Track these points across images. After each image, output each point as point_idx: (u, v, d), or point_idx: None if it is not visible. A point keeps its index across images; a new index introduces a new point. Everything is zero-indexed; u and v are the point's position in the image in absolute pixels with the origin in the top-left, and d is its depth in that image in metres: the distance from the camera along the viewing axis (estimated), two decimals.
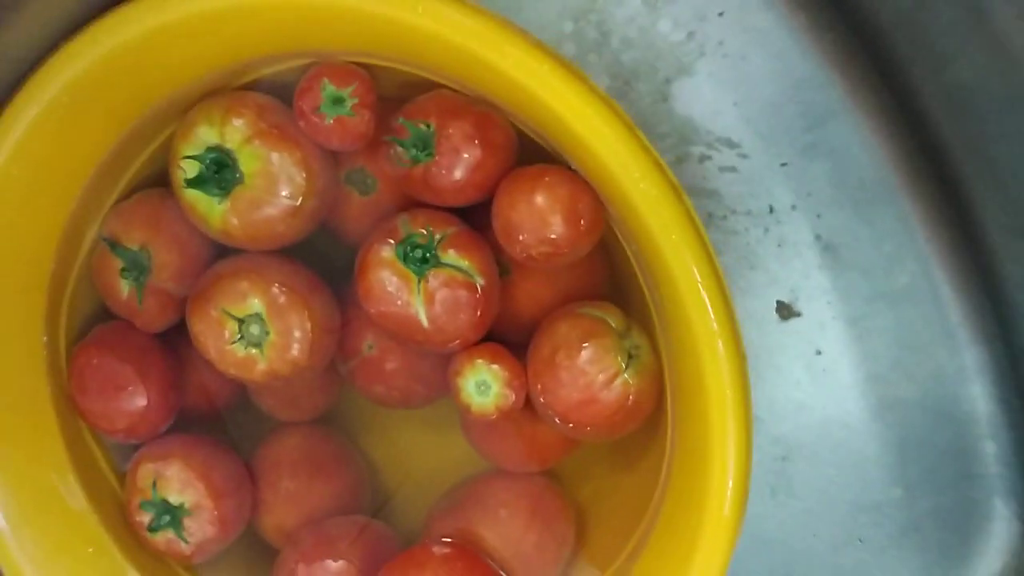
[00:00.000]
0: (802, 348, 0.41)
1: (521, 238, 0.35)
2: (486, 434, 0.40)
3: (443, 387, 0.40)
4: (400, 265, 0.36)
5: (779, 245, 0.41)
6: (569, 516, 0.40)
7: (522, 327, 0.38)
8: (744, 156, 0.41)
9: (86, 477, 0.41)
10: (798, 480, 0.42)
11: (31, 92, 0.36)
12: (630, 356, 0.36)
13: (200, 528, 0.39)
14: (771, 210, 0.41)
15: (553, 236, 0.35)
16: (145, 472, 0.40)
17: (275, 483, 0.41)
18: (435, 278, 0.36)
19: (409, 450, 0.44)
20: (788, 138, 0.40)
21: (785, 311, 0.41)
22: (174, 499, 0.39)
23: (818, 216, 0.40)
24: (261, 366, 0.38)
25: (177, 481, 0.39)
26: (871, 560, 0.42)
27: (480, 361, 0.37)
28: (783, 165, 0.40)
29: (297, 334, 0.37)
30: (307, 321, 0.38)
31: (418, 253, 0.36)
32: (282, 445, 0.42)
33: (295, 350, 0.37)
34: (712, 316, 0.32)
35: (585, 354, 0.35)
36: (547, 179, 0.35)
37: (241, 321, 0.37)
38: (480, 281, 0.36)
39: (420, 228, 0.36)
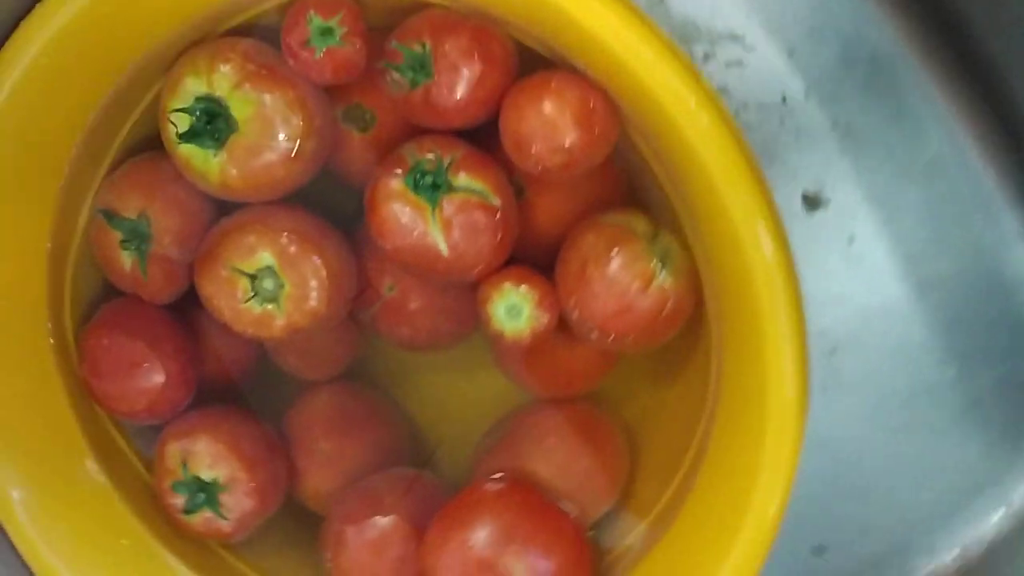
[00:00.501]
0: (834, 238, 0.40)
1: (533, 150, 0.34)
2: (522, 362, 0.38)
3: (470, 322, 0.38)
4: (411, 195, 0.34)
5: (796, 135, 0.39)
6: (619, 438, 0.39)
7: (544, 248, 0.37)
8: (749, 49, 0.39)
9: (110, 466, 0.39)
10: (847, 373, 0.41)
11: (7, 58, 0.34)
12: (662, 259, 0.34)
13: (237, 502, 0.38)
14: (784, 100, 0.39)
15: (567, 144, 0.33)
16: (172, 451, 0.38)
17: (309, 446, 0.39)
18: (449, 204, 0.34)
19: (444, 396, 0.42)
20: (793, 24, 0.39)
21: (812, 202, 0.40)
22: (206, 475, 0.37)
23: (833, 100, 0.39)
24: (279, 321, 0.36)
25: (207, 456, 0.37)
26: (933, 444, 0.41)
27: (508, 284, 0.35)
28: (790, 53, 0.39)
29: (313, 282, 0.36)
30: (322, 268, 0.36)
31: (429, 180, 0.34)
32: (311, 406, 0.40)
33: (313, 299, 0.36)
34: (752, 200, 0.30)
35: (616, 262, 0.34)
36: (554, 84, 0.34)
37: (253, 277, 0.35)
38: (496, 201, 0.35)
39: (427, 154, 0.34)
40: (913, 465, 0.41)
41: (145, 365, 0.38)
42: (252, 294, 0.35)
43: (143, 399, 0.38)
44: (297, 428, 0.40)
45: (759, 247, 0.30)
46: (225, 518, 0.37)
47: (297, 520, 0.41)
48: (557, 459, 0.37)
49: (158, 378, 0.38)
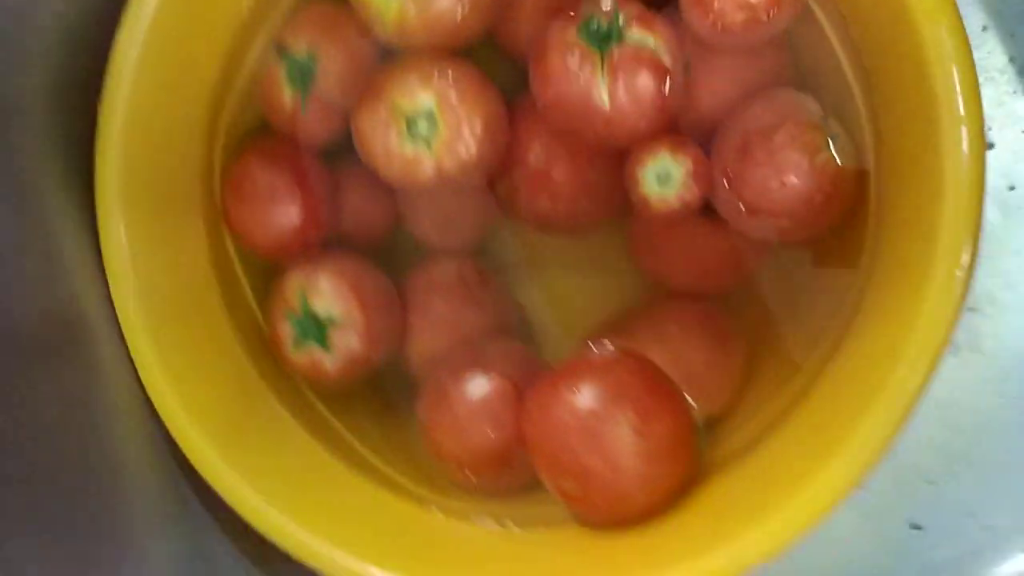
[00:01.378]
0: (994, 183, 0.38)
1: (716, 5, 0.34)
2: (658, 245, 0.37)
3: (613, 205, 0.38)
4: (582, 45, 0.34)
5: None
6: (741, 342, 0.37)
7: (704, 128, 0.36)
8: None
9: (229, 296, 0.39)
10: (987, 334, 0.38)
11: None
12: (831, 138, 0.34)
13: (347, 343, 0.37)
14: None
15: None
16: (294, 283, 0.38)
17: (426, 306, 0.39)
18: (619, 55, 0.34)
19: (567, 291, 0.41)
20: None
21: None
22: (322, 310, 0.37)
23: (1012, 36, 0.38)
24: (428, 164, 0.36)
25: (328, 292, 0.37)
26: None
27: (663, 150, 0.35)
28: None
29: (467, 130, 0.36)
30: (478, 118, 0.36)
31: (602, 28, 0.34)
32: (434, 270, 0.40)
33: (465, 147, 0.36)
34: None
35: (785, 132, 0.33)
36: None
37: (410, 119, 0.36)
38: (667, 59, 0.34)
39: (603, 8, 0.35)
40: None
41: (285, 196, 0.38)
42: (407, 135, 0.36)
43: (275, 232, 0.38)
44: (417, 290, 0.39)
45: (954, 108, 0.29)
46: (331, 353, 0.37)
47: (399, 392, 0.40)
48: (673, 347, 0.36)
49: (294, 213, 0.38)
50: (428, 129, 0.36)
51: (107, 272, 0.36)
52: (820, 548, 0.40)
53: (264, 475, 0.36)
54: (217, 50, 0.39)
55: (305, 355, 0.37)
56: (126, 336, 0.36)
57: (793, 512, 0.30)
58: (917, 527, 0.40)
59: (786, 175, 0.33)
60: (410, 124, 0.36)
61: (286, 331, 0.38)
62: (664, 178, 0.35)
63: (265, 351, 0.39)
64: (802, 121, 0.33)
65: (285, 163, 0.39)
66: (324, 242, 0.39)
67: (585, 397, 0.33)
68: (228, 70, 0.39)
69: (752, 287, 0.38)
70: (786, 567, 0.32)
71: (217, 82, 0.39)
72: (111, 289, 0.36)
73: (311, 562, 0.34)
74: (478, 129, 0.36)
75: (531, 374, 0.36)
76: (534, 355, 0.38)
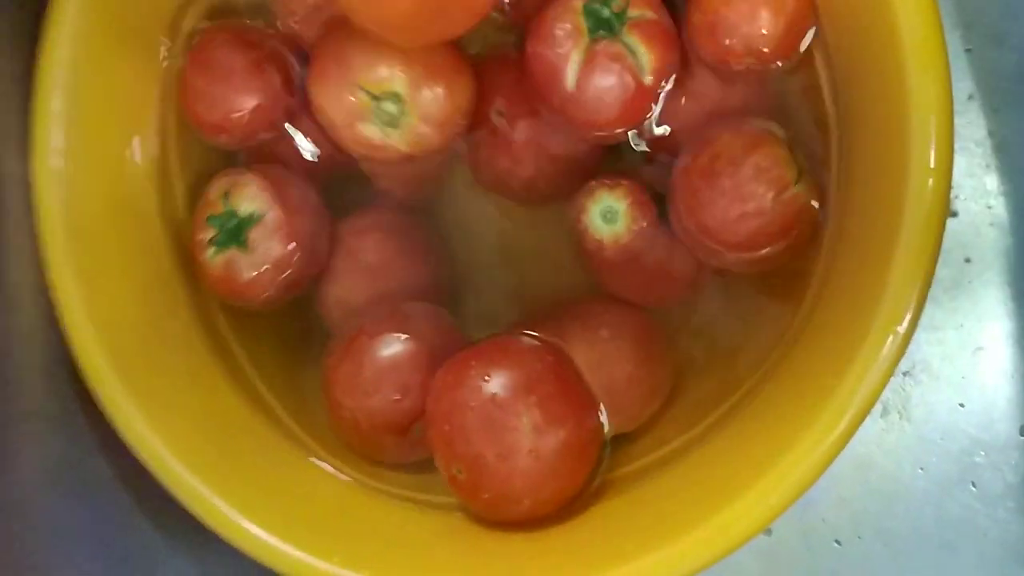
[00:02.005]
0: (950, 252, 0.37)
1: (727, 42, 0.32)
2: (608, 265, 0.36)
3: (569, 186, 0.36)
4: (579, 19, 0.33)
5: None
6: (670, 361, 0.36)
7: (669, 141, 0.35)
8: None
9: (163, 204, 0.37)
10: (917, 402, 0.38)
11: None
12: (799, 170, 0.32)
13: (266, 244, 0.35)
14: None
15: (765, 49, 0.32)
16: (219, 185, 0.36)
17: (354, 250, 0.37)
18: (603, 48, 0.32)
19: (506, 272, 0.39)
20: (978, 22, 0.38)
21: None
22: (244, 209, 0.35)
23: (995, 111, 0.37)
24: (392, 146, 0.34)
25: (251, 191, 0.35)
26: (980, 510, 0.37)
27: (600, 190, 0.35)
28: (968, 50, 0.38)
29: (435, 111, 0.34)
30: (448, 97, 0.34)
31: (602, 16, 0.33)
32: (372, 215, 0.38)
33: (430, 132, 0.34)
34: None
35: (752, 164, 0.32)
36: None
37: (377, 98, 0.34)
38: (647, 79, 0.33)
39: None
40: None
41: (249, 78, 0.36)
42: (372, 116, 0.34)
43: (233, 113, 0.36)
44: (351, 232, 0.37)
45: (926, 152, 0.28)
46: (249, 255, 0.35)
47: (309, 341, 0.38)
48: (600, 351, 0.34)
49: (253, 98, 0.36)
50: (395, 111, 0.34)
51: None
52: None
53: (155, 397, 0.34)
54: None
55: (222, 261, 0.35)
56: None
57: (691, 545, 0.29)
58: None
59: (748, 206, 0.32)
60: (376, 106, 0.34)
61: (206, 235, 0.35)
62: (611, 215, 0.34)
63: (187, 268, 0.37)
64: (772, 154, 0.32)
65: (251, 43, 0.36)
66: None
67: (493, 383, 0.32)
68: None
69: (692, 306, 0.37)
70: None
71: None
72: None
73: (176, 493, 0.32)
74: (448, 110, 0.34)
75: (448, 345, 0.35)
76: (456, 328, 0.37)
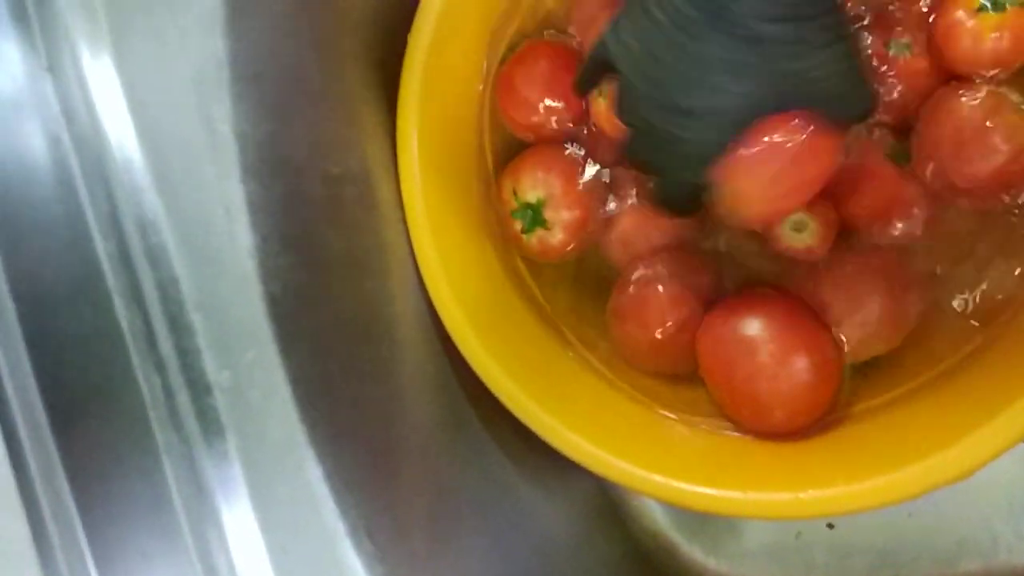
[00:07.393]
0: None
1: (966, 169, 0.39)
2: (852, 190, 0.41)
3: None
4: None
5: None
6: (919, 294, 0.41)
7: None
8: None
9: (485, 194, 0.47)
10: None
11: None
12: None
13: (558, 214, 0.45)
14: None
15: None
16: (506, 186, 0.46)
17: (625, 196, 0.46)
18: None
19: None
20: None
21: None
22: (531, 197, 0.45)
23: None
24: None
25: (529, 181, 0.45)
26: None
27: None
28: None
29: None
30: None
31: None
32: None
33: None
34: None
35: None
36: None
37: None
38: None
39: None
40: None
41: (555, 90, 0.45)
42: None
43: (545, 114, 0.46)
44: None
45: None
46: (551, 230, 0.45)
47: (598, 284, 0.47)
48: (850, 282, 0.41)
49: (560, 101, 0.46)
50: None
51: (399, 167, 0.44)
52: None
53: (509, 358, 0.43)
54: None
55: (536, 239, 0.46)
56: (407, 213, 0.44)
57: (972, 444, 0.34)
58: None
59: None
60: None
61: (516, 224, 0.46)
62: (799, 226, 0.42)
63: (505, 247, 0.47)
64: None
65: (565, 58, 0.46)
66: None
67: (745, 324, 0.40)
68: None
69: (938, 243, 0.41)
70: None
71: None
72: (400, 177, 0.44)
73: (533, 427, 0.41)
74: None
75: (705, 287, 0.43)
76: (717, 275, 0.44)
